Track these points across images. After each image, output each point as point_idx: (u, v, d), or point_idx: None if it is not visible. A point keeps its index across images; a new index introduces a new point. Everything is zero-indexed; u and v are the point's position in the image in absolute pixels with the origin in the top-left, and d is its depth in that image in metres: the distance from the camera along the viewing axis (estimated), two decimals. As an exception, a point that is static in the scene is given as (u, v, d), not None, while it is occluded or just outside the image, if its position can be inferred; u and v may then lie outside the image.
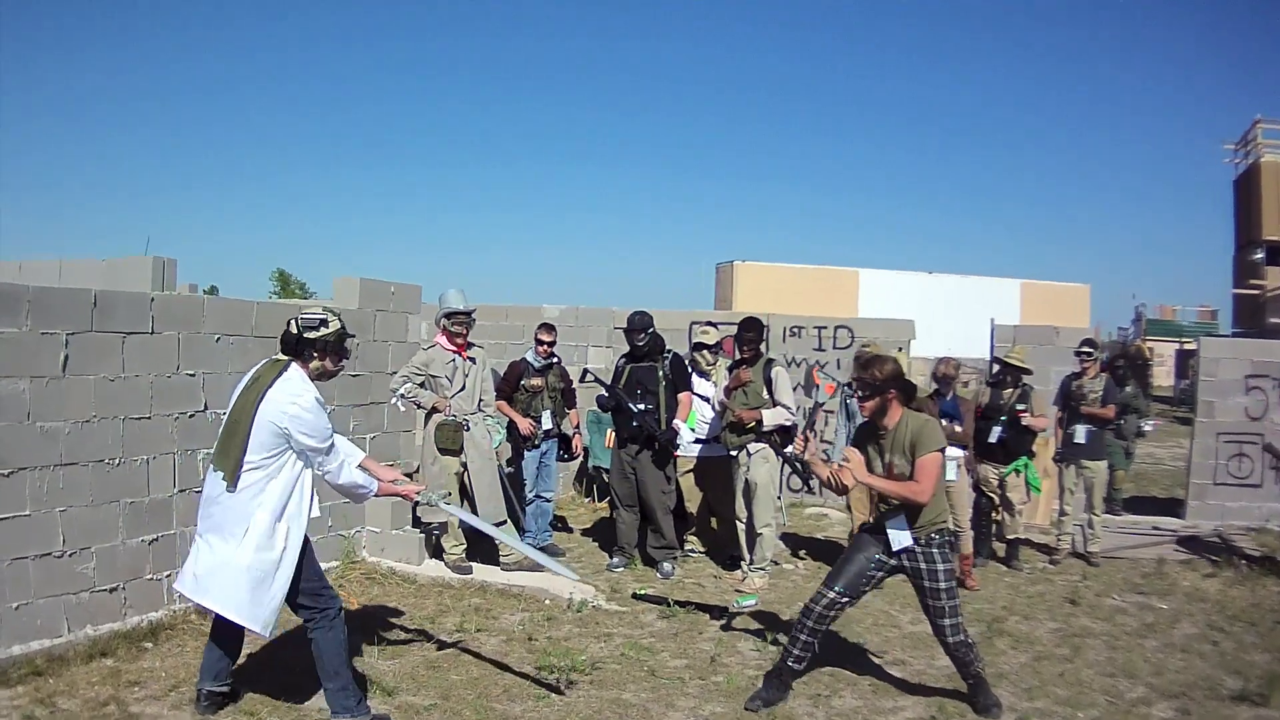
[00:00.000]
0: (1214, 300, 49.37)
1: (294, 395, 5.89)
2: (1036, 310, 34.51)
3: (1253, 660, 8.21)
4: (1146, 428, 16.52)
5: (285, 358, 6.10)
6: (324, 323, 6.15)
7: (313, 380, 6.08)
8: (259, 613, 5.89)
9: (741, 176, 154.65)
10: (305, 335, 6.08)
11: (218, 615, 6.01)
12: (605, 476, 12.94)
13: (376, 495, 6.44)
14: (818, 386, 9.45)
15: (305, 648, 6.19)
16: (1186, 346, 40.78)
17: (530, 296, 20.99)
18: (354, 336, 6.78)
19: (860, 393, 6.76)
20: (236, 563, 5.83)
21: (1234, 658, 8.31)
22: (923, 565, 6.68)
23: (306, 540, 6.11)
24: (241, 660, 6.62)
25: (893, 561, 6.75)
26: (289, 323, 6.14)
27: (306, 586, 6.08)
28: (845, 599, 6.83)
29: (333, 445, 6.07)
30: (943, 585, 6.67)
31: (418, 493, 6.79)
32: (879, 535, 6.81)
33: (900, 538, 6.68)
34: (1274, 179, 31.34)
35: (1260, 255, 31.81)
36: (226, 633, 6.19)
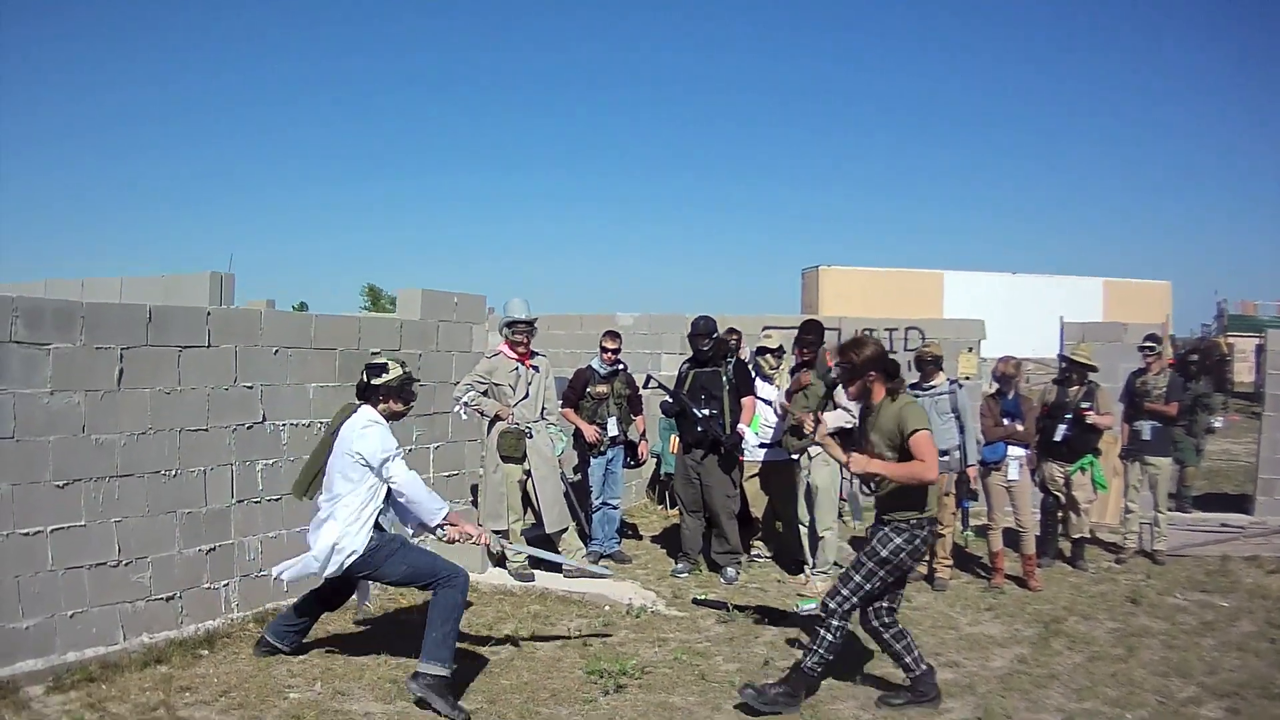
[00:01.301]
0: (1302, 295, 48.51)
1: (356, 426, 6.79)
2: (1119, 308, 34.12)
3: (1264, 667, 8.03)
4: (1217, 424, 16.24)
5: (359, 402, 6.92)
6: (386, 369, 6.88)
7: (386, 419, 6.89)
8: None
9: (826, 181, 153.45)
10: (371, 382, 6.84)
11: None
12: (675, 483, 12.94)
13: (446, 523, 6.97)
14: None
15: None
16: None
17: (610, 305, 21.10)
18: (418, 380, 7.42)
19: (842, 377, 6.95)
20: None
21: None
22: (874, 538, 6.82)
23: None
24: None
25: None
26: (361, 371, 6.97)
27: (423, 568, 6.93)
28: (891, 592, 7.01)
29: (399, 457, 6.82)
30: (866, 560, 6.80)
31: (488, 543, 7.40)
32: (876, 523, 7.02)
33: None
34: None
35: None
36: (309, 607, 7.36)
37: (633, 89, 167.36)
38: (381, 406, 6.83)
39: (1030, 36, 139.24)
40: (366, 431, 6.64)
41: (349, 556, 6.73)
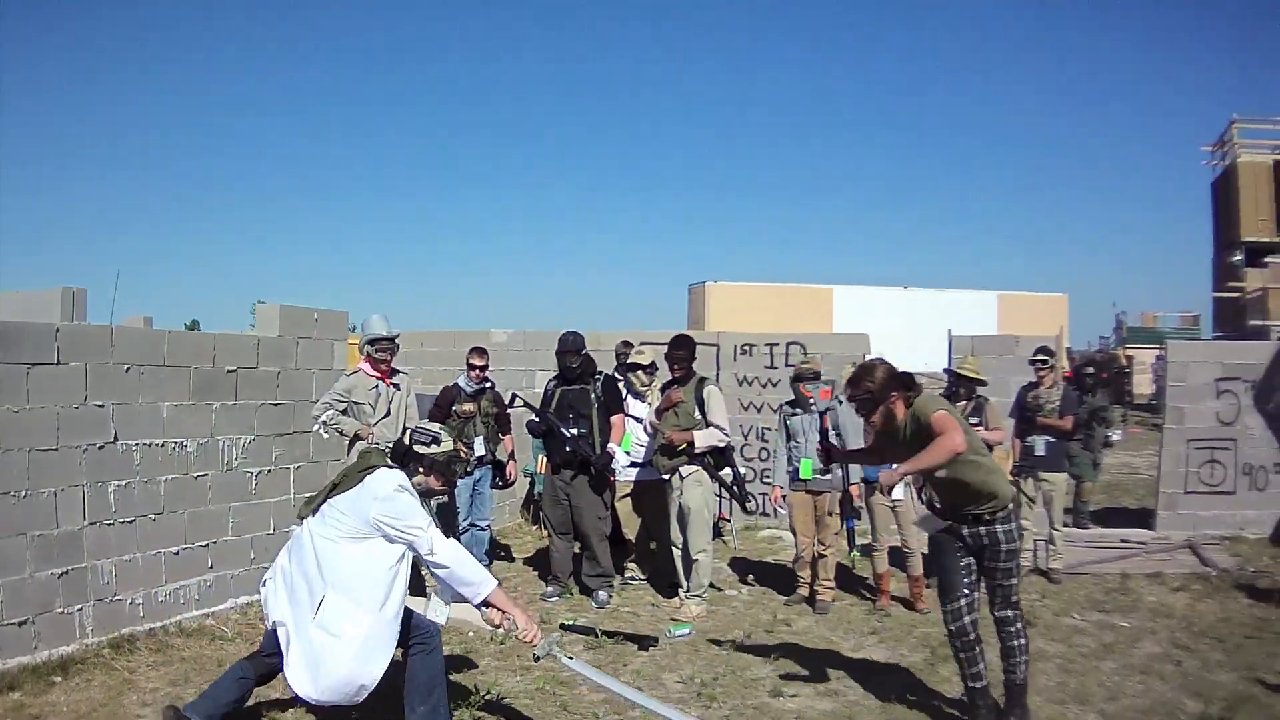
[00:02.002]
0: (1196, 305, 49.67)
1: (384, 483, 6.02)
2: (1014, 321, 35.00)
3: (1217, 680, 8.04)
4: (1115, 437, 16.58)
5: (391, 464, 6.22)
6: (438, 440, 6.32)
7: (421, 493, 6.24)
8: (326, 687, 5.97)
9: (716, 196, 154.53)
10: (415, 448, 6.30)
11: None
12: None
13: (489, 604, 6.14)
14: (811, 399, 9.29)
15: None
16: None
17: (486, 321, 21.07)
18: (466, 461, 6.91)
19: (863, 410, 6.78)
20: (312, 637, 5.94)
21: (1197, 678, 8.19)
22: (992, 542, 6.74)
23: None
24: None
25: (967, 531, 6.80)
26: (405, 433, 6.51)
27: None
28: (969, 597, 6.87)
29: (433, 529, 6.04)
30: (1004, 562, 6.77)
31: (536, 641, 6.34)
32: (945, 530, 6.92)
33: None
34: (1251, 179, 31.83)
35: (1239, 257, 32.28)
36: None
37: (517, 101, 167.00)
38: (418, 479, 6.22)
39: (920, 47, 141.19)
40: (399, 495, 5.95)
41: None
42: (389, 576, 5.92)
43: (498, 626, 6.24)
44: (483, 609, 6.15)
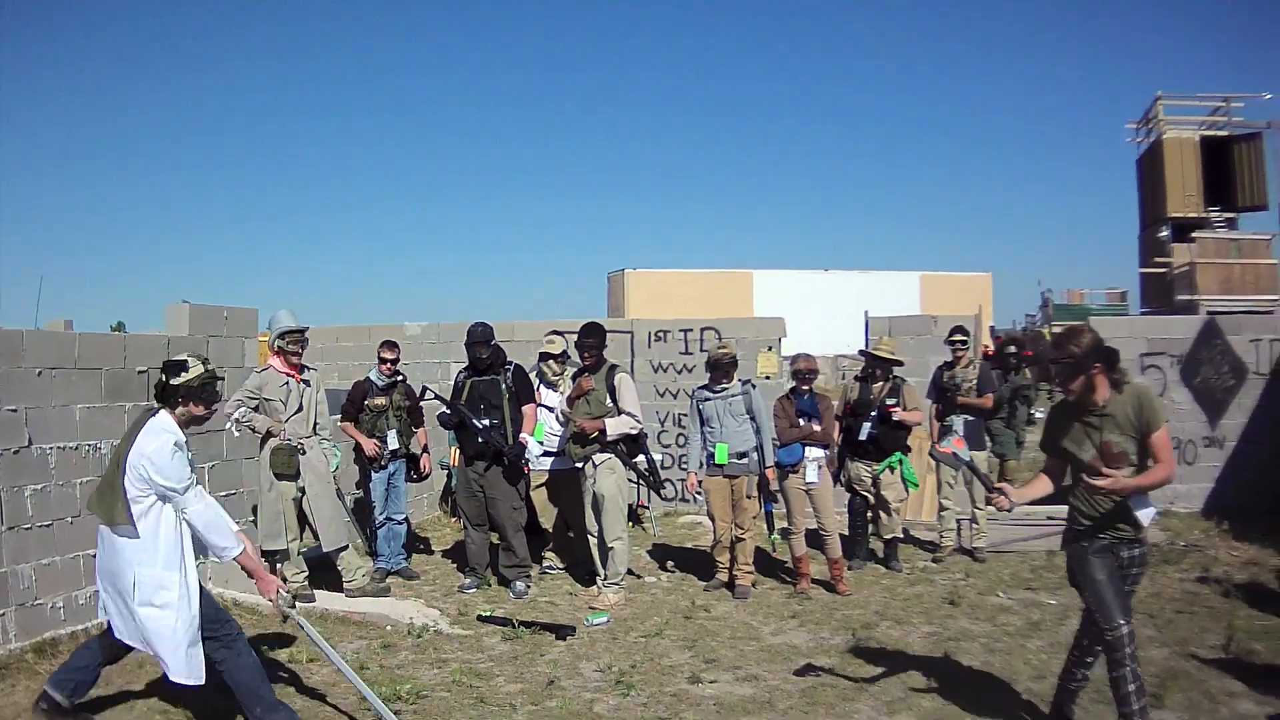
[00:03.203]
0: (1124, 282, 50.27)
1: (151, 436, 6.21)
2: (937, 301, 35.62)
3: (1149, 656, 7.93)
4: (1038, 415, 16.80)
5: (157, 405, 6.44)
6: (185, 366, 6.42)
7: (183, 426, 6.41)
8: (182, 663, 6.25)
9: (634, 185, 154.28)
10: (170, 381, 6.37)
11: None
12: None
13: (238, 560, 6.47)
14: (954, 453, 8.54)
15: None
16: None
17: (399, 315, 21.13)
18: (222, 379, 7.08)
19: (1060, 375, 6.31)
20: (142, 616, 6.18)
21: None
22: (1138, 563, 6.43)
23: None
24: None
25: (1126, 554, 6.34)
26: (160, 370, 6.51)
27: (206, 613, 6.40)
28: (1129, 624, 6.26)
29: (193, 487, 6.31)
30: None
31: (277, 593, 6.67)
32: (1104, 548, 6.32)
33: (1149, 513, 6.24)
34: (1177, 156, 32.42)
35: (1166, 233, 32.80)
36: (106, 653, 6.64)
37: (428, 90, 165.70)
38: (180, 410, 6.38)
39: (839, 28, 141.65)
40: (161, 450, 6.19)
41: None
42: (179, 533, 6.31)
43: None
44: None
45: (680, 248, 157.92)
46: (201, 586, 6.46)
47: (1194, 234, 31.86)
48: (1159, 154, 32.79)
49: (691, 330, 15.50)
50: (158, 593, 6.16)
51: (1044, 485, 6.66)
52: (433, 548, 13.04)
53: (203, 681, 6.25)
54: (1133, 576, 6.38)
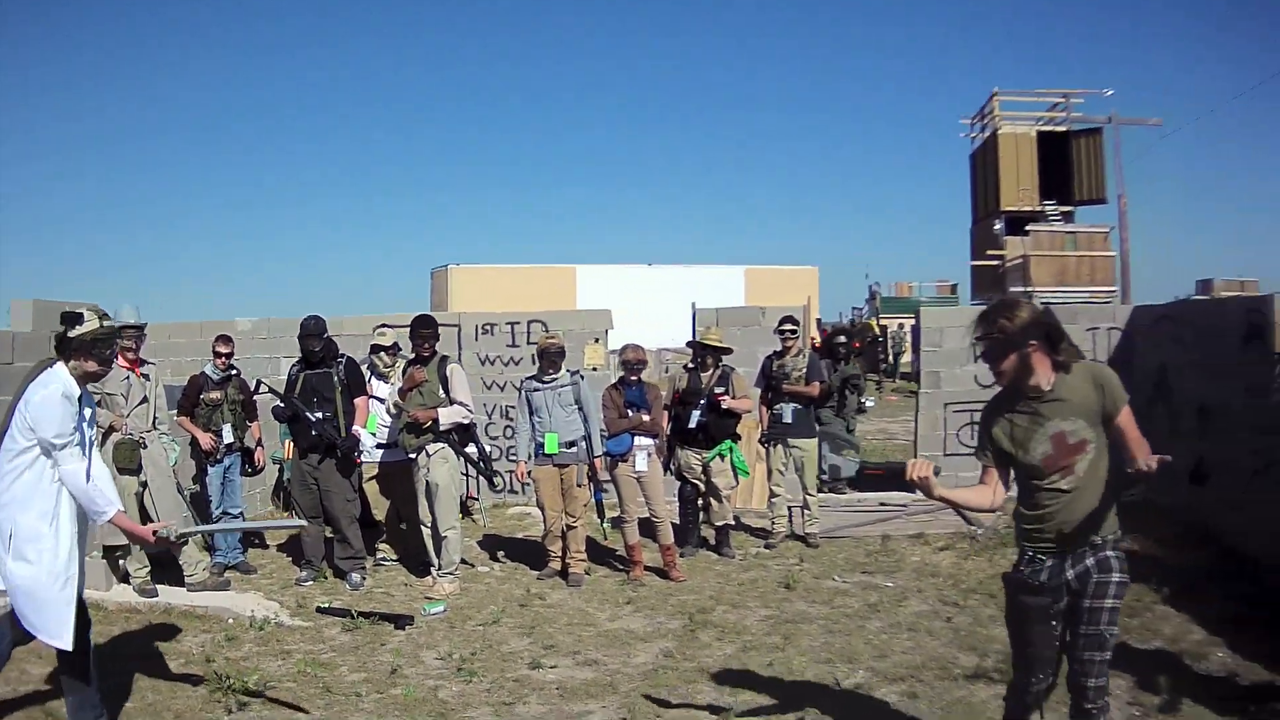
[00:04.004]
0: (955, 276, 51.50)
1: (39, 386, 6.12)
2: (762, 294, 36.44)
3: (990, 635, 8.25)
4: (868, 404, 17.21)
5: (55, 356, 6.35)
6: (80, 319, 6.32)
7: (79, 382, 6.31)
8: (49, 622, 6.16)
9: (456, 180, 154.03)
10: (67, 334, 6.30)
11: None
12: (297, 489, 13.29)
13: (114, 522, 6.33)
14: None
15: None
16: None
17: (230, 311, 21.00)
18: (119, 339, 7.33)
19: (987, 355, 5.31)
20: (10, 569, 6.14)
21: (969, 634, 8.52)
22: (1095, 575, 5.22)
23: None
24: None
25: (1064, 595, 5.27)
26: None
27: None
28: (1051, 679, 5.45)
29: (71, 446, 6.14)
30: (1111, 624, 5.23)
31: (155, 531, 6.59)
32: (1052, 588, 5.27)
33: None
34: (1012, 150, 33.83)
35: (1000, 226, 33.91)
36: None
37: (268, 92, 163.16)
38: (73, 364, 6.26)
39: (662, 21, 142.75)
40: (46, 402, 6.07)
41: None
42: (58, 488, 6.19)
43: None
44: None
45: (505, 244, 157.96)
46: None
47: (1029, 227, 33.27)
48: (994, 148, 34.08)
49: (519, 323, 15.72)
50: (28, 545, 6.11)
51: (982, 496, 5.57)
52: (267, 541, 13.20)
53: (69, 647, 6.13)
54: (1092, 591, 5.15)
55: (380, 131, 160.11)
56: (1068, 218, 34.77)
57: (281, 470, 14.34)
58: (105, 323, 6.42)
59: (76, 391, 6.24)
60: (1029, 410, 5.24)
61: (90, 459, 6.31)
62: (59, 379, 6.20)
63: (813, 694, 7.29)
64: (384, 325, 12.25)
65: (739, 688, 7.47)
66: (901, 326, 41.07)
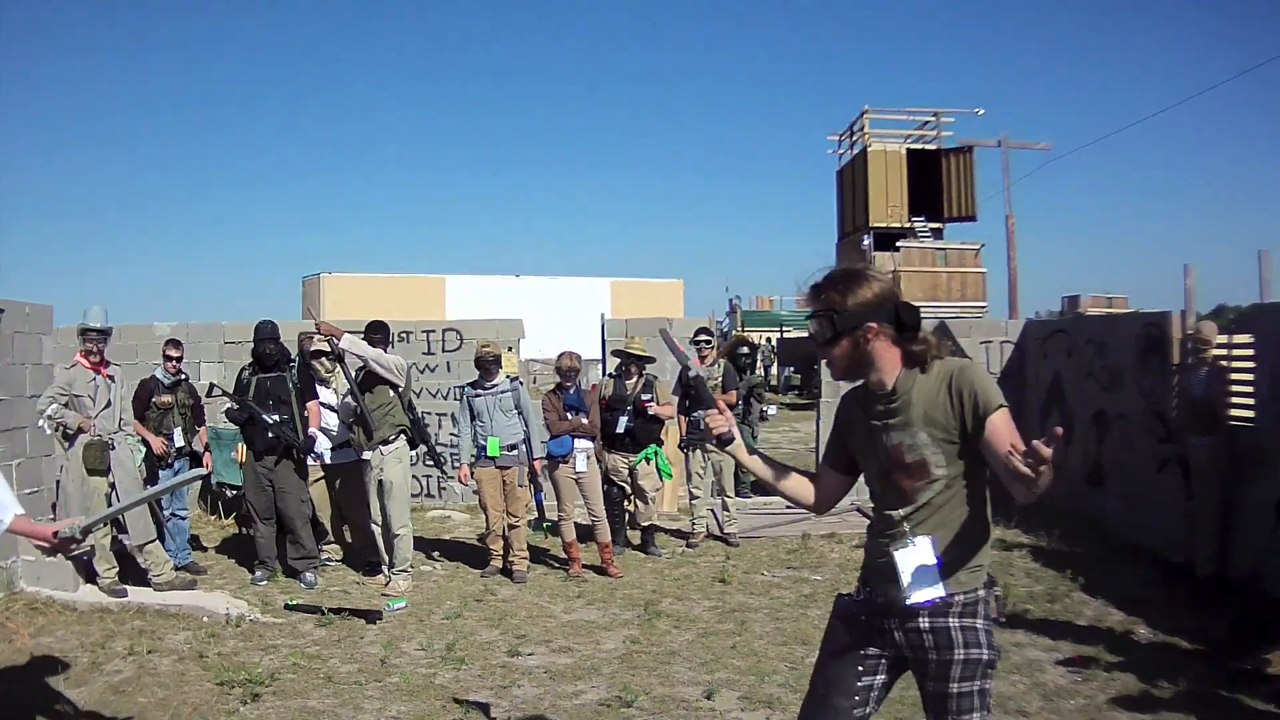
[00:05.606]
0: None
1: None
2: (628, 305, 36.89)
3: None
4: (771, 412, 17.68)
5: None
6: None
7: None
8: None
9: (325, 189, 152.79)
10: None
11: None
12: (229, 493, 13.89)
13: (12, 531, 5.74)
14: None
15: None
16: (789, 335, 45.07)
17: (149, 315, 20.78)
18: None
19: (818, 333, 4.05)
20: None
21: None
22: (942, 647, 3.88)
23: None
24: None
25: (894, 648, 4.08)
26: None
27: None
28: None
29: None
30: (975, 687, 3.84)
31: (56, 533, 5.76)
32: (861, 617, 4.38)
33: (925, 590, 3.88)
34: (881, 167, 34.62)
35: (868, 241, 34.52)
36: None
37: (138, 94, 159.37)
38: None
39: (535, 34, 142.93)
40: None
41: None
42: None
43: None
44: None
45: (374, 254, 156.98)
46: None
47: (899, 243, 34.08)
48: (863, 165, 34.93)
49: (434, 331, 16.25)
50: None
51: (801, 490, 4.45)
52: (205, 544, 13.33)
53: None
54: (933, 668, 3.86)
55: (259, 137, 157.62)
56: (937, 234, 35.83)
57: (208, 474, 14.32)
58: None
59: None
60: (873, 413, 4.02)
61: None
62: None
63: (782, 669, 7.82)
64: (305, 334, 12.41)
65: (712, 667, 7.93)
66: (769, 340, 41.93)
